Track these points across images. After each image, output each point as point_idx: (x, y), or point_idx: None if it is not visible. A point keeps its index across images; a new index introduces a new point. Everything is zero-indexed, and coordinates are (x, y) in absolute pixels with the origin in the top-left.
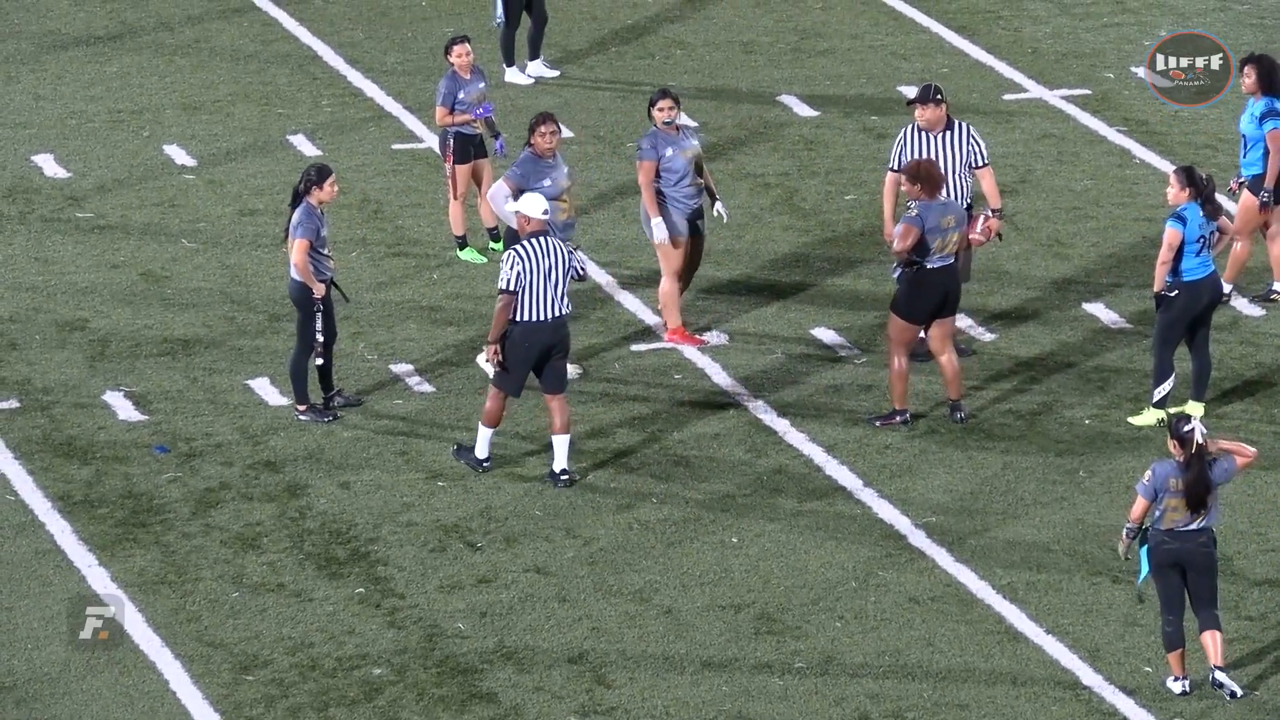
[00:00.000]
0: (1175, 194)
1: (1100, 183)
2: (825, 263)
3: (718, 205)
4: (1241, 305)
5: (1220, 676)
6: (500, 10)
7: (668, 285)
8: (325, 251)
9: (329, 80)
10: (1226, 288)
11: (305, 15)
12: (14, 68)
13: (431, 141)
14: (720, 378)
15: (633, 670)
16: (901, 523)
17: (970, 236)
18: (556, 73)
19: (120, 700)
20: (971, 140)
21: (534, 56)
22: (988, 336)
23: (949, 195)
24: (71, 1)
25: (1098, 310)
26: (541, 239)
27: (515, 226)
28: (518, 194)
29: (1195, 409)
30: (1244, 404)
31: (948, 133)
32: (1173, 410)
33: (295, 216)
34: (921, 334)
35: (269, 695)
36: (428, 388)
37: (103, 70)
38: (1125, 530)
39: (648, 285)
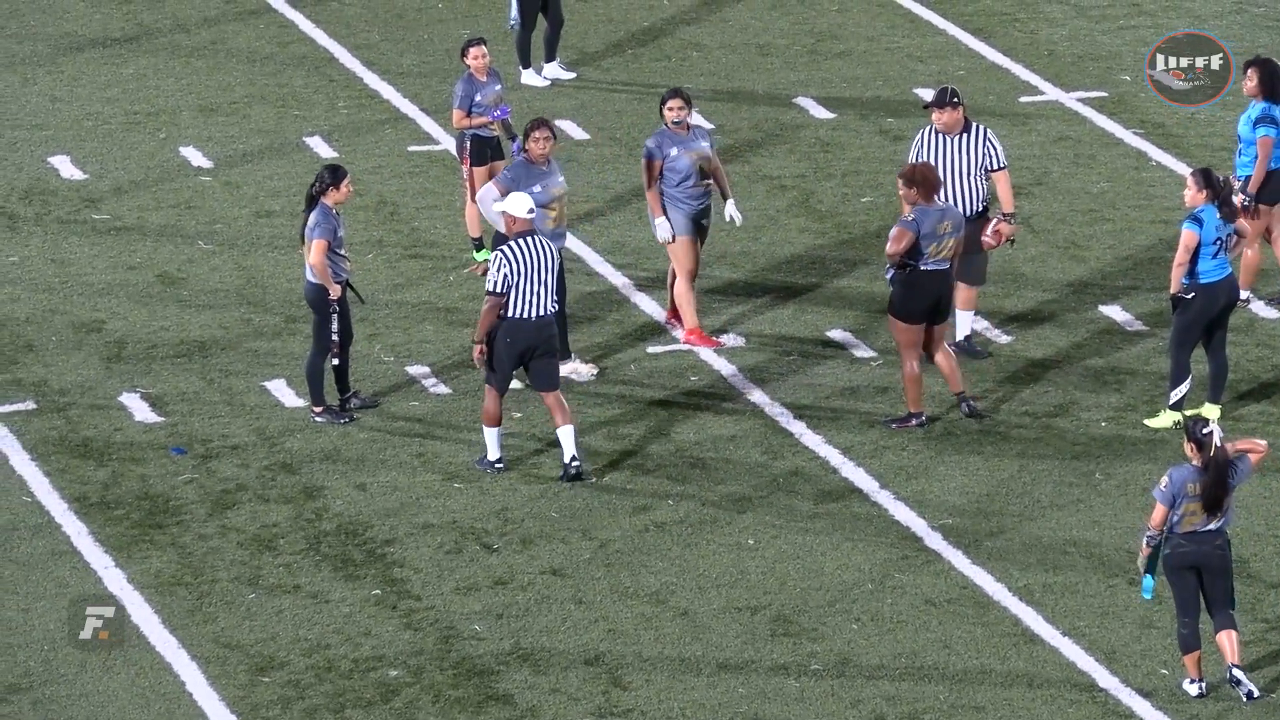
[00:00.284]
0: (1192, 196)
1: (1117, 185)
2: (841, 265)
3: (729, 207)
4: (1258, 308)
5: (1238, 674)
6: (516, 12)
7: (682, 285)
8: (341, 253)
9: (345, 82)
10: (1244, 293)
11: (322, 17)
12: (30, 69)
13: (448, 143)
14: (736, 379)
15: (649, 672)
16: (918, 525)
17: (981, 240)
18: (573, 75)
19: (136, 701)
20: (988, 143)
21: (550, 59)
22: (1004, 339)
23: (963, 198)
24: (88, 3)
25: (1114, 312)
26: (528, 239)
27: (503, 228)
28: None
29: (1212, 411)
30: (1260, 406)
31: (964, 135)
32: (1189, 413)
33: (312, 218)
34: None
35: (285, 697)
36: (444, 389)
37: (119, 72)
38: (1145, 539)
39: (663, 287)
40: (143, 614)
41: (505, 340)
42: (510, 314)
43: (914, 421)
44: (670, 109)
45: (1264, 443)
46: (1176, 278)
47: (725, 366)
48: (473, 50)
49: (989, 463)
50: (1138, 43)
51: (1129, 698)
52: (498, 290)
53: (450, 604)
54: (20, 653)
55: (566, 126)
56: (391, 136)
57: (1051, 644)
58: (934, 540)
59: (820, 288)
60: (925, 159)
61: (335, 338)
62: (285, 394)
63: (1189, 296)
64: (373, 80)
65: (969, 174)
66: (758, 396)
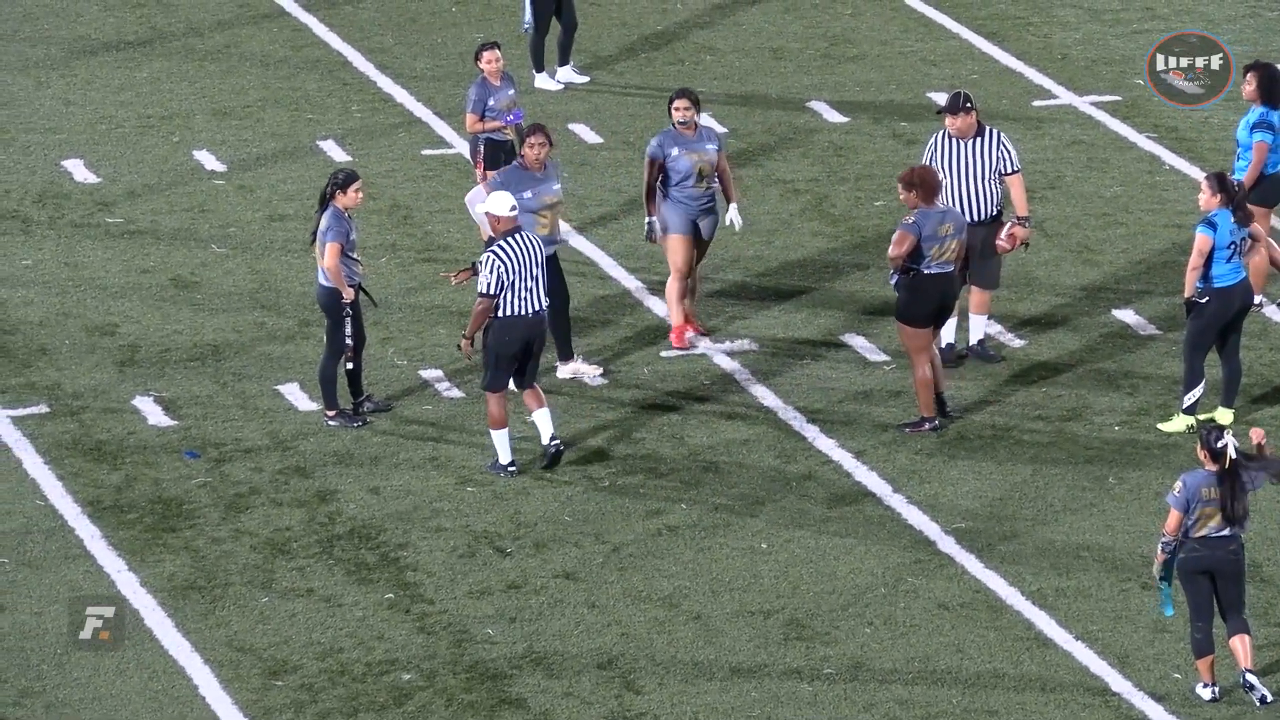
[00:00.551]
0: (1206, 200)
1: (1130, 189)
2: (854, 269)
3: (732, 211)
4: (1271, 312)
5: (1251, 679)
6: (530, 16)
7: (671, 283)
8: (354, 256)
9: (359, 86)
10: (1257, 297)
11: (335, 21)
12: (44, 73)
13: (461, 147)
14: (749, 383)
15: (662, 676)
16: (931, 529)
17: (996, 243)
18: (586, 78)
19: (149, 705)
20: (1002, 147)
21: (564, 62)
22: (1017, 343)
23: (977, 202)
24: (101, 7)
25: (1127, 316)
26: (516, 236)
27: (489, 230)
28: None
29: (1225, 416)
30: (1274, 410)
31: (978, 139)
32: (1202, 417)
33: (324, 221)
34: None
35: (298, 700)
36: (457, 393)
37: (133, 75)
38: (1160, 545)
39: None
40: (156, 618)
41: (503, 339)
42: (504, 312)
43: (927, 426)
44: (676, 109)
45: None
46: (1190, 282)
47: (738, 370)
48: (486, 54)
49: (1002, 467)
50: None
51: (1142, 702)
52: (490, 291)
53: (463, 608)
54: (33, 656)
55: (580, 130)
56: (405, 140)
57: (1064, 648)
58: (947, 544)
59: (833, 291)
60: (939, 163)
61: (349, 341)
62: (298, 397)
63: (1203, 301)
64: (386, 84)
65: (983, 178)
66: (771, 400)
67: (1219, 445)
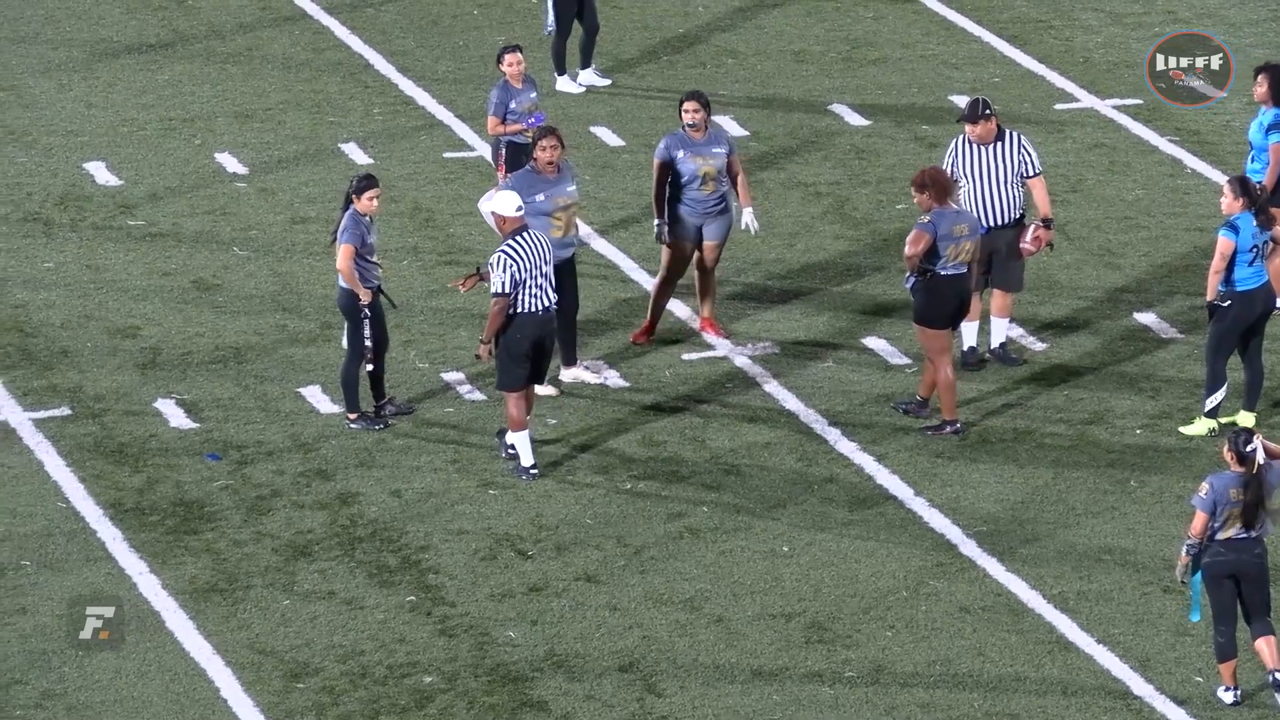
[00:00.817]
0: (1228, 204)
1: (1152, 192)
2: (876, 272)
3: (746, 215)
4: None
5: (1279, 677)
6: (551, 19)
7: (657, 284)
8: (372, 259)
9: (380, 88)
10: None
11: (357, 23)
12: (66, 75)
13: (483, 150)
14: (771, 386)
15: (683, 679)
16: (952, 532)
17: (1020, 246)
18: (608, 81)
19: (171, 708)
20: (1023, 150)
21: (585, 65)
22: (1039, 346)
23: (999, 205)
24: (123, 10)
25: (1149, 320)
26: (525, 234)
27: (498, 232)
28: None
29: (1247, 419)
30: None
31: (999, 143)
32: (1224, 420)
33: (342, 222)
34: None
35: (320, 703)
36: (479, 396)
37: (154, 78)
38: (1185, 547)
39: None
40: (177, 620)
41: (515, 336)
42: (518, 309)
43: (948, 429)
44: (686, 111)
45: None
46: (1213, 285)
47: (760, 373)
48: (508, 57)
49: (1023, 470)
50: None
51: (1164, 706)
52: (505, 291)
53: (485, 610)
54: (54, 658)
55: (601, 133)
56: (426, 143)
57: (1086, 651)
58: (968, 547)
59: (855, 294)
60: (960, 168)
61: (368, 343)
62: (320, 400)
63: (1225, 304)
64: (408, 86)
65: (1005, 181)
66: (792, 403)
67: (1247, 449)
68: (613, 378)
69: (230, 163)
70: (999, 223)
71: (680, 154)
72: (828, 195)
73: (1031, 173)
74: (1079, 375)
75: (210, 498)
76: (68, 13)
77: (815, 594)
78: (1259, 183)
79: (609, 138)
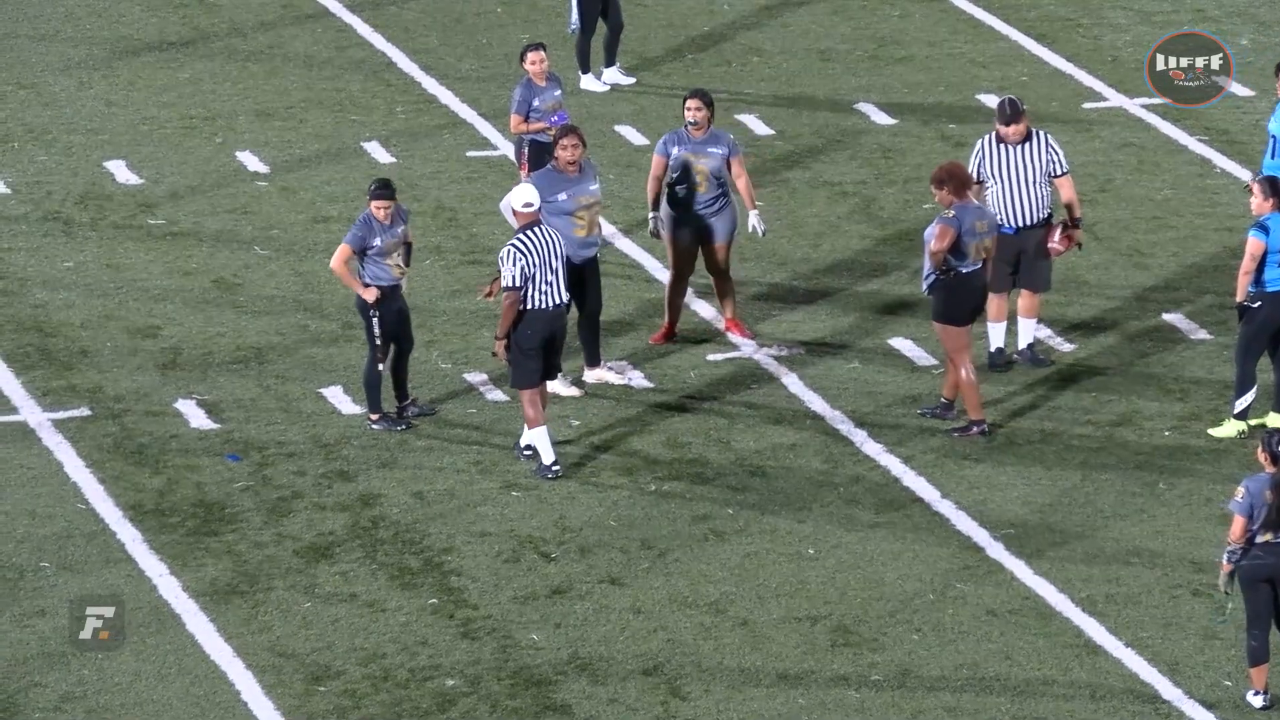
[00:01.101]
0: (1258, 204)
1: (1181, 192)
2: (903, 272)
3: (753, 218)
4: None
5: None
6: (576, 16)
7: (668, 284)
8: (385, 261)
9: (403, 87)
10: None
11: (379, 21)
12: (86, 73)
13: (506, 149)
14: (796, 387)
15: (708, 682)
16: (979, 534)
17: (1049, 246)
18: (632, 80)
19: (191, 711)
20: (1050, 149)
21: (610, 63)
22: (1067, 347)
23: (1028, 205)
24: (144, 8)
25: (1178, 320)
26: (535, 229)
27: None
28: None
29: (1277, 420)
30: None
31: (1026, 143)
32: (1254, 422)
33: (355, 223)
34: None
35: (341, 706)
36: (501, 396)
37: (175, 76)
38: (1226, 554)
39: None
40: (197, 622)
41: (526, 332)
42: (528, 306)
43: (975, 429)
44: (687, 109)
45: None
46: (1242, 286)
47: (785, 375)
48: (531, 55)
49: (1051, 472)
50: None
51: (1193, 710)
52: (516, 284)
53: (508, 613)
54: (74, 661)
55: (625, 132)
56: (450, 142)
57: (1114, 655)
58: (996, 550)
59: (881, 295)
60: (988, 168)
61: (377, 342)
62: (342, 401)
63: (1255, 305)
64: (431, 85)
65: (1034, 181)
66: (818, 404)
67: None
68: (637, 378)
69: (252, 161)
70: (1026, 223)
71: (675, 151)
72: (854, 195)
73: (1059, 172)
74: (1107, 376)
75: (231, 499)
76: (88, 10)
77: (841, 597)
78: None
79: (633, 136)
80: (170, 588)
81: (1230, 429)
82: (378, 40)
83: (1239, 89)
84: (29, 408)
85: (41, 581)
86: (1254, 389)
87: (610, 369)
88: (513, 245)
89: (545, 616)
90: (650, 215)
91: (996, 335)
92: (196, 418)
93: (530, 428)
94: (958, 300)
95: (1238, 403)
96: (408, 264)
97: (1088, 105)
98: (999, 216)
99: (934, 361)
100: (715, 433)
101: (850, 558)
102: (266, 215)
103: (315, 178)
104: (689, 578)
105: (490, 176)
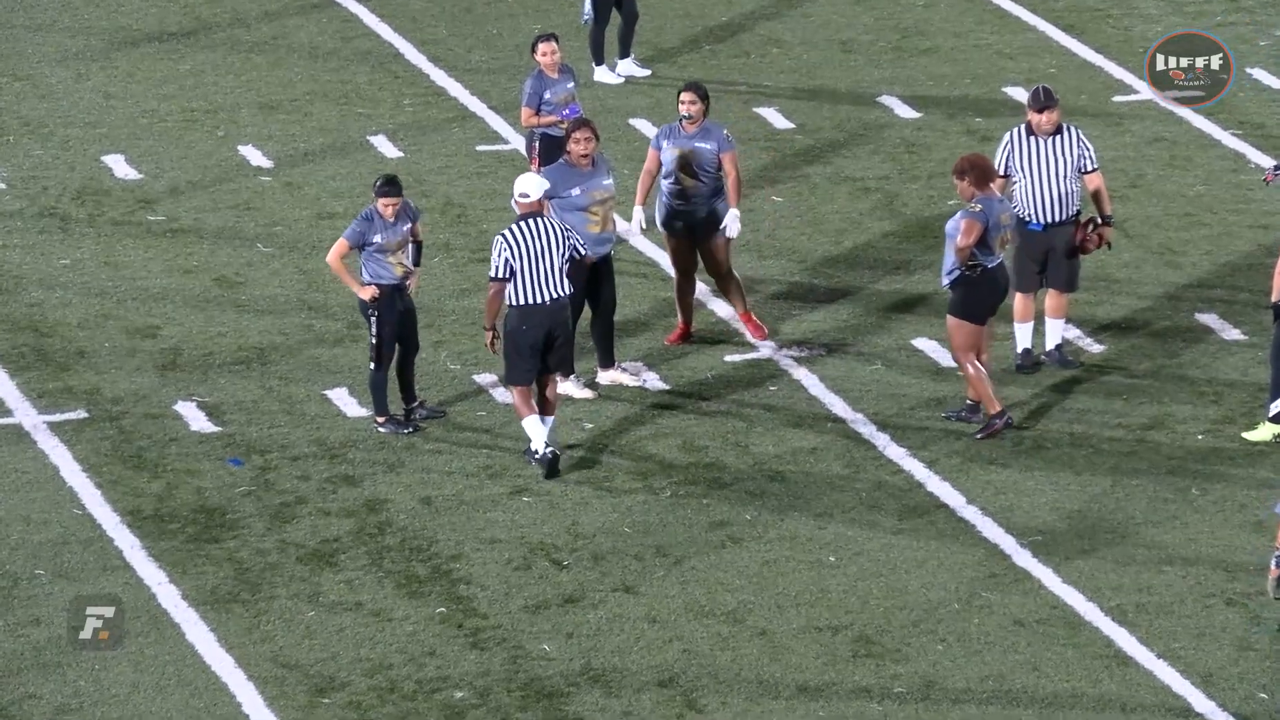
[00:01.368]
0: None
1: (1214, 188)
2: (927, 271)
3: (729, 217)
4: None
5: None
6: (589, 6)
7: (675, 282)
8: (387, 259)
9: (411, 79)
10: None
11: (386, 11)
12: (84, 65)
13: (517, 143)
14: (817, 389)
15: (725, 694)
16: (1006, 542)
17: (1079, 244)
18: (648, 72)
19: None
20: (1081, 144)
21: (624, 55)
22: (1096, 348)
23: (1058, 201)
24: None
25: (1211, 321)
26: (533, 220)
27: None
28: None
29: None
30: None
31: (1057, 136)
32: None
33: (356, 219)
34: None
35: (346, 719)
36: (512, 398)
37: (176, 68)
38: (1275, 559)
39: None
40: (198, 632)
41: (520, 328)
42: (520, 301)
43: (1000, 422)
44: (681, 103)
45: None
46: (1278, 285)
47: (805, 376)
48: (542, 46)
49: (1080, 477)
50: (1236, 40)
51: None
52: (499, 275)
53: (518, 623)
54: (70, 671)
55: (641, 125)
56: (459, 135)
57: (1145, 666)
58: (1023, 558)
59: (905, 294)
60: (1016, 162)
61: (373, 340)
62: (347, 403)
63: None
64: (439, 77)
65: (1064, 176)
66: (839, 407)
67: None
68: (652, 380)
69: (254, 156)
70: (1055, 219)
71: (665, 144)
72: (876, 191)
73: (1090, 168)
74: (1138, 378)
75: (232, 504)
76: (85, 0)
77: (863, 606)
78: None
79: (649, 130)
80: (169, 596)
81: (1265, 432)
82: (385, 30)
83: (1272, 81)
84: (24, 410)
85: (36, 589)
86: None
87: (624, 370)
88: (501, 235)
89: (557, 626)
90: (635, 209)
91: (1023, 336)
92: (197, 420)
93: (519, 417)
94: (980, 296)
95: (1273, 406)
96: (417, 263)
97: (1118, 98)
98: (1026, 212)
99: None
100: (733, 436)
101: (872, 565)
102: (270, 211)
103: (320, 173)
104: (706, 586)
105: (501, 171)
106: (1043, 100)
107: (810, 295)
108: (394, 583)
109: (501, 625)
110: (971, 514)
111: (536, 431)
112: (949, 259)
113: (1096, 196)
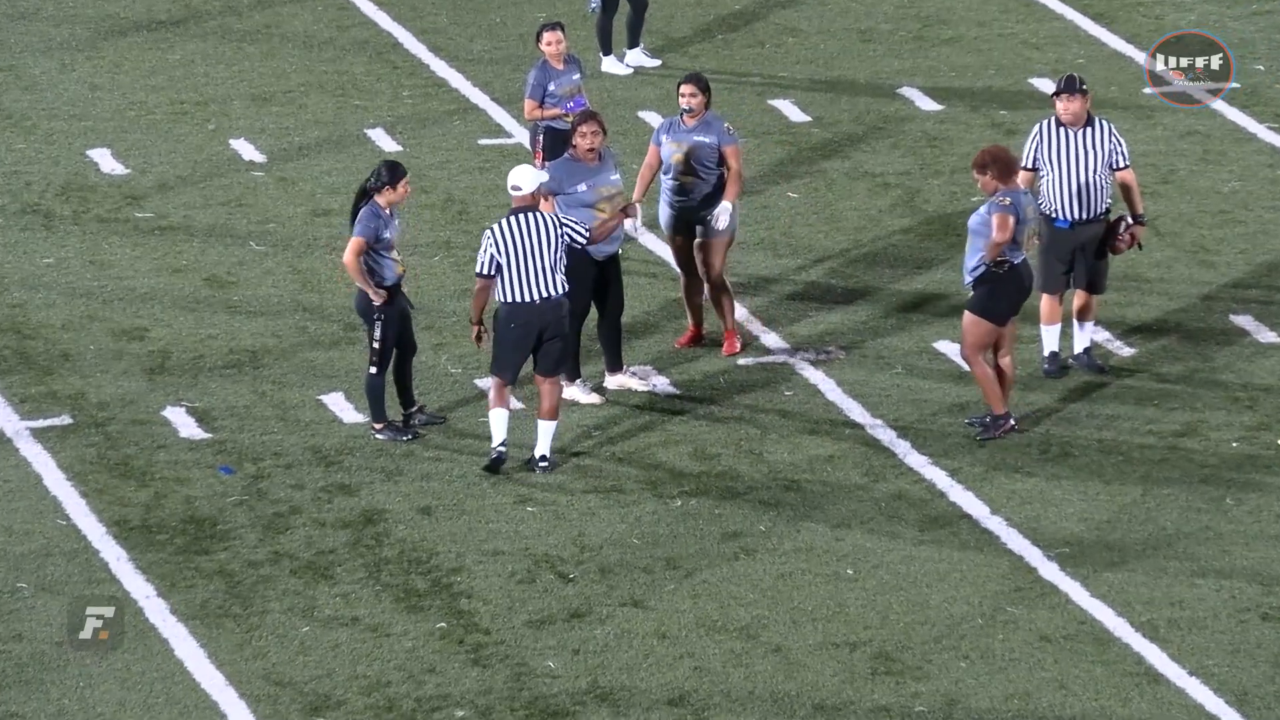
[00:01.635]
0: None
1: (1249, 184)
2: (949, 270)
3: (719, 208)
4: None
5: None
6: None
7: (682, 280)
8: (390, 256)
9: (410, 69)
10: None
11: None
12: (69, 55)
13: (521, 137)
14: (834, 395)
15: (738, 713)
16: (1032, 554)
17: (1112, 243)
18: (658, 62)
19: None
20: (1114, 138)
21: (633, 44)
22: (1126, 351)
23: (1088, 197)
24: None
25: (1246, 322)
26: (525, 215)
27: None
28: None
29: None
30: None
31: (1088, 129)
32: None
33: (361, 215)
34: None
35: None
36: (515, 404)
37: (165, 58)
38: None
39: (754, 293)
40: (187, 648)
41: (509, 325)
42: (510, 298)
43: (1008, 423)
44: (681, 95)
45: None
46: None
47: (822, 381)
48: (547, 35)
49: (1109, 487)
50: (1272, 30)
51: None
52: (484, 271)
53: (522, 638)
54: (54, 689)
55: (650, 118)
56: (460, 129)
57: (1177, 684)
58: (1049, 570)
59: (926, 294)
60: (1045, 155)
61: (375, 345)
62: (343, 408)
63: None
64: (440, 67)
65: (1094, 170)
66: (857, 413)
67: None
68: (662, 384)
69: (247, 150)
70: (1084, 216)
71: (664, 138)
72: (897, 186)
73: (1122, 164)
74: (1170, 383)
75: (223, 514)
76: None
77: (882, 621)
78: None
79: (658, 123)
80: (157, 610)
81: None
82: (383, 19)
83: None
84: (5, 415)
85: (19, 603)
86: None
87: (633, 375)
88: (489, 229)
89: (562, 642)
90: (631, 203)
91: (1051, 339)
92: (186, 426)
93: (490, 408)
94: (1005, 294)
95: None
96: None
97: (1149, 90)
98: (1053, 208)
99: None
100: (746, 443)
101: (892, 578)
102: (263, 208)
103: (315, 167)
104: (718, 600)
105: (503, 166)
106: (1062, 86)
107: (827, 295)
108: (392, 596)
109: (504, 641)
110: (996, 525)
111: (500, 426)
112: (972, 256)
113: (1128, 194)
